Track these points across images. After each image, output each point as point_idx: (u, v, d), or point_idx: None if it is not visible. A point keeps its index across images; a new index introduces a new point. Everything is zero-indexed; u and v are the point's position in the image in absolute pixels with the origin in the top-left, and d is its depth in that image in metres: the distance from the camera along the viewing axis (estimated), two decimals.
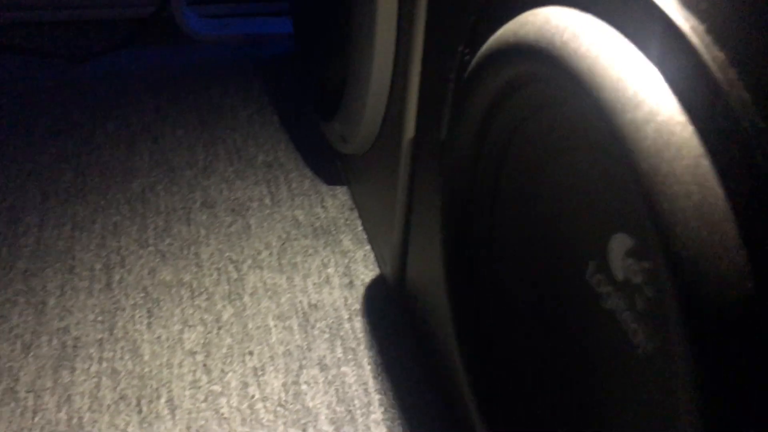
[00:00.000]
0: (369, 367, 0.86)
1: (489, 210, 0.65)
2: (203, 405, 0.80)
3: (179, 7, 1.36)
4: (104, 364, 0.83)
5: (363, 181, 1.03)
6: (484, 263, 0.66)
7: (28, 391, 0.80)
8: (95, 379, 0.82)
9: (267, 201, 1.07)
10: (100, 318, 0.88)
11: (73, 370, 0.82)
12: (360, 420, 0.80)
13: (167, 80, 1.30)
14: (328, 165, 1.14)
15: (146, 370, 0.83)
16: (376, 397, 0.83)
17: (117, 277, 0.94)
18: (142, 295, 0.92)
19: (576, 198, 0.55)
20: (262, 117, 1.23)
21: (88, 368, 0.83)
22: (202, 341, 0.87)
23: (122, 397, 0.80)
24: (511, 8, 0.54)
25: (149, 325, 0.88)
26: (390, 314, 0.92)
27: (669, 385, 0.47)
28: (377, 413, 0.81)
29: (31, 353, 0.84)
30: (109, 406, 0.79)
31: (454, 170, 0.65)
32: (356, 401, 0.82)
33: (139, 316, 0.89)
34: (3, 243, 0.97)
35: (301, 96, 1.28)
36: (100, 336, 0.86)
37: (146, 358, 0.84)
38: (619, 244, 0.52)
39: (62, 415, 0.77)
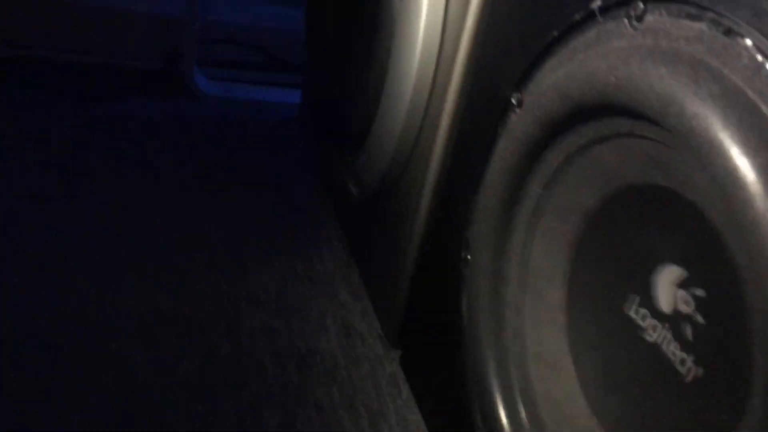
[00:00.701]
0: (365, 413, 0.84)
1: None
2: None
3: (190, 66, 1.39)
4: (91, 386, 0.79)
5: (366, 238, 1.04)
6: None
7: None
8: (83, 396, 0.77)
9: (265, 247, 1.07)
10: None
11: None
12: None
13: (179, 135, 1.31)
14: (327, 222, 1.15)
15: (138, 391, 0.79)
16: None
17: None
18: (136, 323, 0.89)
19: (628, 232, 0.57)
20: (261, 173, 1.25)
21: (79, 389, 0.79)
22: (196, 374, 0.84)
23: (114, 414, 0.76)
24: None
25: (144, 351, 0.85)
26: (388, 366, 0.91)
27: (719, 406, 0.48)
28: None
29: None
30: None
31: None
32: None
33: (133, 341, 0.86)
34: None
35: (302, 159, 1.30)
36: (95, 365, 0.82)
37: (138, 380, 0.81)
38: (668, 276, 0.54)
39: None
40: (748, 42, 0.41)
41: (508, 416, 0.64)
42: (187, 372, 0.83)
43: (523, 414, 0.63)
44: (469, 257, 0.72)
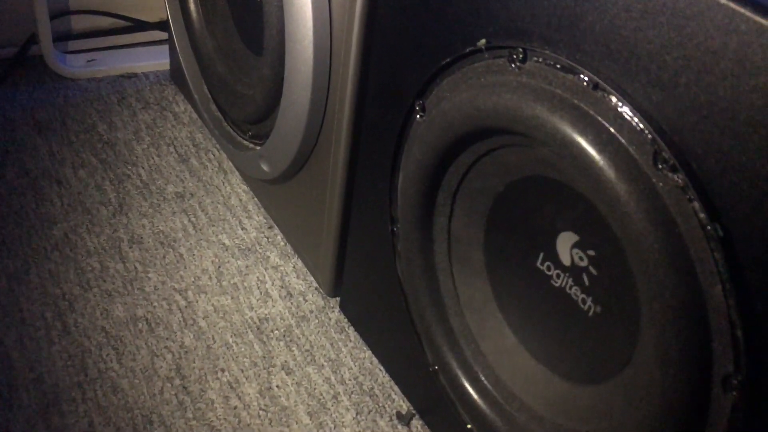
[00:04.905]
0: (326, 364, 0.99)
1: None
2: (194, 423, 0.89)
3: (47, 46, 1.37)
4: (89, 404, 0.89)
5: (284, 201, 1.14)
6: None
7: None
8: (86, 419, 0.87)
9: (190, 230, 1.15)
10: (69, 362, 0.93)
11: (62, 414, 0.87)
12: (332, 408, 0.94)
13: (51, 121, 1.31)
14: (236, 189, 1.24)
15: (131, 401, 0.90)
16: (340, 388, 0.96)
17: (71, 321, 0.98)
18: (102, 334, 0.97)
19: (528, 206, 0.73)
20: (157, 149, 1.29)
21: (76, 409, 0.88)
22: (174, 367, 0.95)
23: (118, 430, 0.87)
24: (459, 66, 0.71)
25: (119, 360, 0.95)
26: (332, 315, 1.05)
27: (618, 337, 0.67)
28: (345, 400, 0.95)
29: (14, 406, 0.87)
30: None
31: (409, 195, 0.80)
32: (324, 394, 0.95)
33: (107, 354, 0.95)
34: None
35: (193, 124, 1.35)
36: (76, 379, 0.91)
37: (127, 391, 0.91)
38: (564, 240, 0.71)
39: None
40: (612, 98, 0.56)
41: (454, 355, 0.81)
42: (166, 372, 0.94)
43: (467, 352, 0.81)
44: (396, 230, 0.86)
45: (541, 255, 0.74)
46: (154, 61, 1.46)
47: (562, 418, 0.73)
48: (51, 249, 1.08)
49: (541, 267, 0.74)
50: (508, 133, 0.66)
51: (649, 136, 0.54)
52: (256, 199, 1.22)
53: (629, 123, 0.55)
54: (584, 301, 0.70)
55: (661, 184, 0.54)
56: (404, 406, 0.96)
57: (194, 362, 0.96)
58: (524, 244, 0.75)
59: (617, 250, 0.64)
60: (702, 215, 0.51)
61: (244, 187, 1.24)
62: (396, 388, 0.97)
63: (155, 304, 1.03)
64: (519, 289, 0.77)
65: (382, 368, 0.99)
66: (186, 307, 1.03)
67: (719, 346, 0.53)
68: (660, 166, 0.53)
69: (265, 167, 1.08)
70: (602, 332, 0.69)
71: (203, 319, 1.02)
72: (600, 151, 0.57)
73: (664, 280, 0.54)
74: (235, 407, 0.92)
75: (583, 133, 0.58)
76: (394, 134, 0.82)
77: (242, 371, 0.96)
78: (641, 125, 0.55)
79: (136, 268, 1.07)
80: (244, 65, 1.13)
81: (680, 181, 0.52)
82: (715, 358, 0.53)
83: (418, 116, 0.77)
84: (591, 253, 0.68)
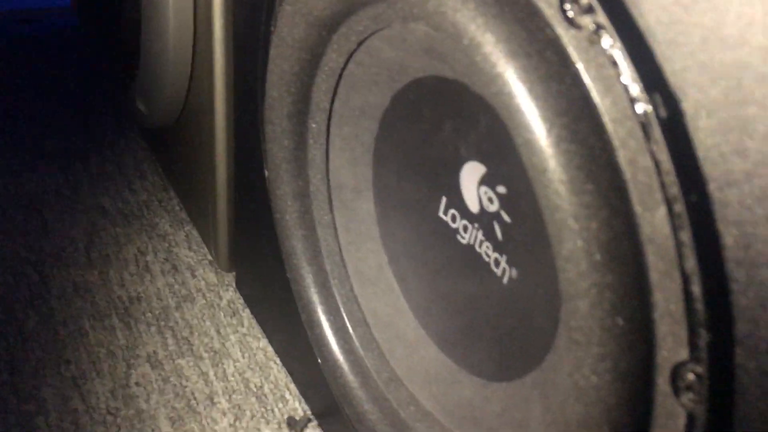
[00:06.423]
0: (206, 356, 0.78)
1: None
2: (16, 430, 0.69)
3: None
4: None
5: (176, 157, 0.93)
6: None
7: None
8: None
9: (65, 191, 0.94)
10: None
11: None
12: (204, 412, 0.73)
13: None
14: (133, 145, 1.03)
15: None
16: (219, 386, 0.75)
17: None
18: None
19: (424, 130, 0.51)
20: (47, 99, 1.09)
21: None
22: (6, 358, 0.74)
23: None
24: None
25: None
26: (224, 294, 0.84)
27: (539, 309, 0.45)
28: (222, 402, 0.74)
29: None
30: None
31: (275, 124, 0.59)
32: (197, 394, 0.74)
33: None
34: None
35: (92, 72, 1.15)
36: None
37: None
38: (471, 173, 0.49)
39: None
40: None
41: (338, 342, 0.60)
42: None
43: (353, 337, 0.59)
44: (268, 176, 0.64)
45: (444, 200, 0.52)
46: (56, 4, 1.26)
47: (470, 426, 0.51)
48: None
49: (445, 217, 0.52)
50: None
51: None
52: (154, 156, 1.01)
53: None
54: (497, 263, 0.48)
55: (572, 42, 0.31)
56: (299, 409, 0.74)
57: (33, 352, 0.76)
58: (422, 186, 0.53)
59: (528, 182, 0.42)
60: (634, 88, 0.29)
61: (144, 144, 1.03)
62: (292, 386, 0.76)
63: None
64: (419, 251, 0.56)
65: (278, 362, 0.78)
66: (38, 282, 0.83)
67: (665, 318, 0.30)
68: (566, 8, 0.31)
69: (141, 106, 0.86)
70: (520, 306, 0.47)
71: (57, 298, 0.81)
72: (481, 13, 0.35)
73: (578, 209, 0.32)
74: (75, 410, 0.71)
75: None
76: (258, 47, 0.61)
77: (93, 363, 0.75)
78: None
79: None
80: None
81: (593, 25, 0.30)
82: (658, 338, 0.31)
83: (281, 9, 0.55)
84: (501, 190, 0.47)
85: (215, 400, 0.74)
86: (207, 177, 0.83)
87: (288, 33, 0.53)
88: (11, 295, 0.81)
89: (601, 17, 0.29)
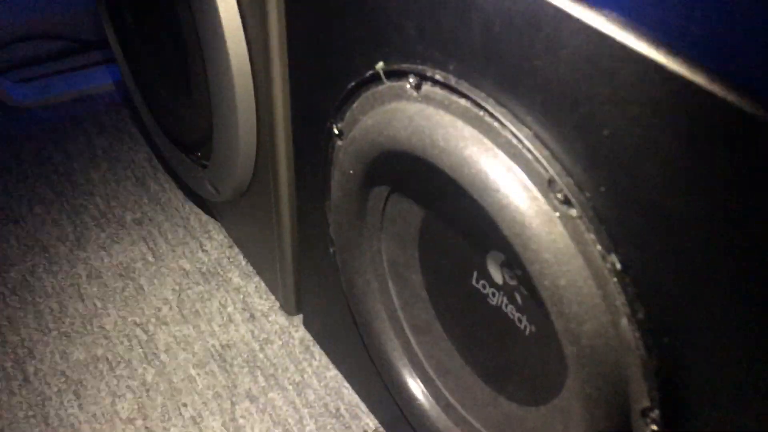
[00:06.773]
0: (291, 387, 0.98)
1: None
2: None
3: None
4: None
5: (240, 221, 1.12)
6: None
7: None
8: None
9: (150, 258, 1.14)
10: (30, 413, 0.92)
11: None
12: None
13: (4, 156, 1.29)
14: (195, 210, 1.22)
15: None
16: (305, 411, 0.95)
17: (31, 369, 0.97)
18: (62, 379, 0.96)
19: (459, 228, 0.70)
20: (115, 174, 1.28)
21: None
22: (135, 407, 0.94)
23: None
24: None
25: (80, 406, 0.94)
26: (296, 334, 1.04)
27: (551, 353, 0.64)
28: (310, 425, 0.94)
29: None
30: None
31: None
32: (289, 419, 0.94)
33: (68, 400, 0.94)
34: None
35: (149, 143, 1.33)
36: (37, 429, 0.91)
37: None
38: (495, 258, 0.68)
39: None
40: (506, 123, 0.53)
41: (409, 378, 0.79)
42: (128, 413, 0.93)
43: (415, 374, 0.79)
44: (333, 251, 0.83)
45: (475, 273, 0.71)
46: (107, 81, 1.44)
47: None
48: (9, 294, 1.07)
49: (477, 285, 0.71)
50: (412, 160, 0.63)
51: (544, 162, 0.51)
52: (217, 218, 1.20)
53: (521, 150, 0.52)
54: (520, 320, 0.68)
55: (557, 213, 0.50)
56: (371, 424, 0.94)
57: (156, 399, 0.95)
58: (458, 264, 0.72)
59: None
60: (599, 247, 0.48)
61: (205, 208, 1.22)
62: (363, 406, 0.96)
63: (115, 341, 1.02)
64: (460, 309, 0.75)
65: (348, 386, 0.98)
66: (147, 341, 1.02)
67: (634, 380, 0.50)
68: (555, 195, 0.50)
69: (212, 189, 1.05)
70: (539, 351, 0.66)
71: (164, 352, 1.01)
72: (493, 178, 0.54)
73: (569, 310, 0.51)
74: None
75: (475, 163, 0.55)
76: (320, 158, 0.80)
77: (205, 404, 0.95)
78: (536, 152, 0.51)
79: (95, 305, 1.06)
80: (180, 89, 1.10)
81: (574, 211, 0.49)
82: (631, 391, 0.50)
83: (338, 141, 0.74)
84: (518, 272, 0.65)
85: (305, 422, 0.94)
86: (272, 238, 1.01)
87: (345, 162, 0.71)
88: (128, 353, 1.00)
89: (575, 207, 0.48)
